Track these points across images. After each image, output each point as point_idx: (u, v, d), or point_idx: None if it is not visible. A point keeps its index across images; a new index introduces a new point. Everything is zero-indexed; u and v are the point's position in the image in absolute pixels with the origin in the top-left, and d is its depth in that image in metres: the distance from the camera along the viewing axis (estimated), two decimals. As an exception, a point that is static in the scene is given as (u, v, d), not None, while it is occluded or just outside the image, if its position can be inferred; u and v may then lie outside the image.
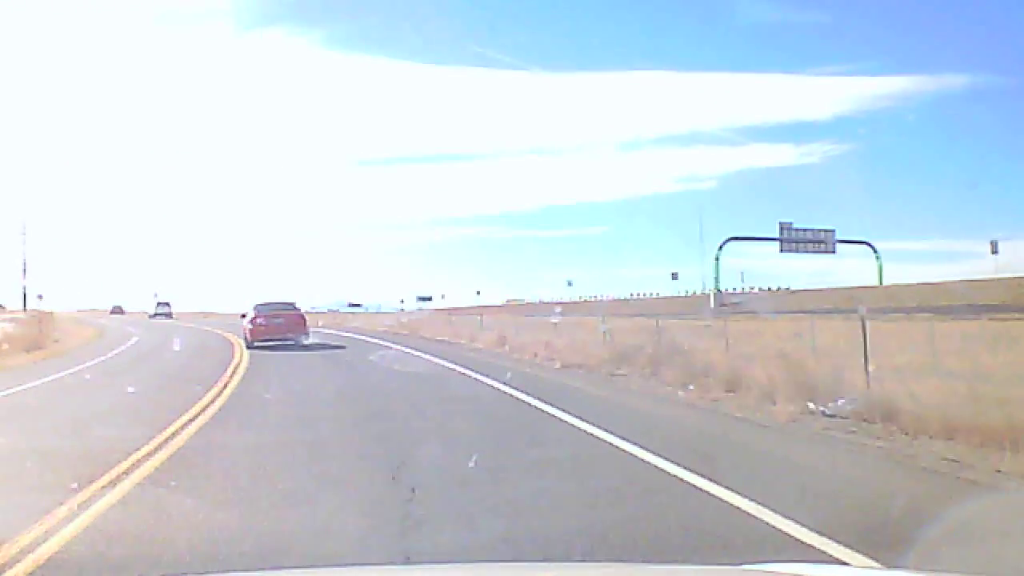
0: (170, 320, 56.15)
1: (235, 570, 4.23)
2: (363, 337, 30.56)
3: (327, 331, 35.28)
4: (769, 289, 72.99)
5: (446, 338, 28.48)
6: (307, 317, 26.66)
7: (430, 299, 78.52)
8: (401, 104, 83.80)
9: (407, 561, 4.41)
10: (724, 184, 78.33)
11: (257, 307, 25.19)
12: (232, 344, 25.05)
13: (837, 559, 4.29)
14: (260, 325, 24.28)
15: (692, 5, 64.89)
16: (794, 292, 70.12)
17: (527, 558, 4.38)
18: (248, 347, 23.32)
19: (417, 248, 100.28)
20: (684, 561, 4.27)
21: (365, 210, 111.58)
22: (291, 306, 25.90)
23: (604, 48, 71.83)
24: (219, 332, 32.93)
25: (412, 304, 77.81)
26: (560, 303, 69.07)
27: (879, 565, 4.18)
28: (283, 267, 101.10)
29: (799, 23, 65.13)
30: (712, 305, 67.59)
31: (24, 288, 56.50)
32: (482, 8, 67.68)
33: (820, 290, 68.39)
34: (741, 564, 2.97)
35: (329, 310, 72.58)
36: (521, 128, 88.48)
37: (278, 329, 24.29)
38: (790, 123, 77.33)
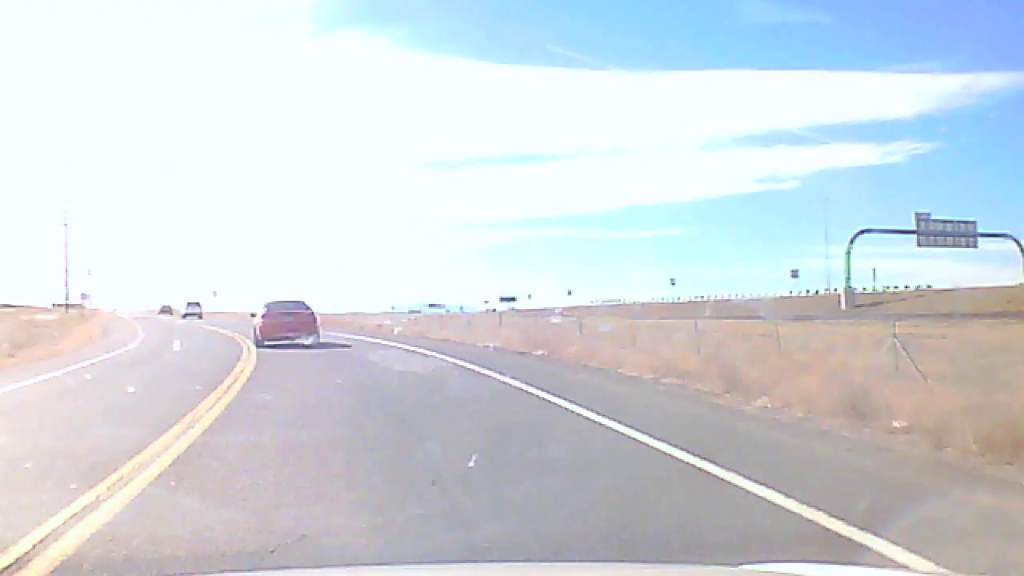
0: (199, 320, 55.77)
1: (235, 570, 4.19)
2: (483, 370, 16.17)
3: (403, 346, 24.25)
4: (906, 288, 64.50)
5: (632, 371, 14.53)
6: (318, 317, 25.75)
7: (514, 299, 74.59)
8: (482, 105, 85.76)
9: None
10: (806, 184, 77.46)
11: (268, 305, 25.05)
12: (237, 359, 18.91)
13: None
14: (270, 323, 23.97)
15: (771, 3, 61.51)
16: (939, 292, 61.28)
17: None
18: (258, 346, 22.91)
19: (496, 249, 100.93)
20: None
21: (444, 211, 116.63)
22: (302, 304, 25.62)
23: (685, 47, 69.87)
24: (236, 337, 28.25)
25: (495, 305, 74.12)
26: (667, 303, 67.85)
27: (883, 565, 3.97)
28: (360, 268, 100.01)
29: (879, 21, 65.81)
30: (843, 305, 59.65)
31: (67, 287, 58.38)
32: (562, 8, 67.90)
33: (969, 289, 59.70)
34: (740, 564, 2.88)
35: (410, 311, 68.30)
36: (602, 128, 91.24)
37: (288, 327, 23.87)
38: (872, 122, 78.51)
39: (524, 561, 4.22)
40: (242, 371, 15.29)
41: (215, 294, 67.54)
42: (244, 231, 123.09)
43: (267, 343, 22.99)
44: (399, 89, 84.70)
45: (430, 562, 4.29)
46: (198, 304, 63.75)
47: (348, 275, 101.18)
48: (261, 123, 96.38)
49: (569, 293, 70.62)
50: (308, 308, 25.43)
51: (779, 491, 5.53)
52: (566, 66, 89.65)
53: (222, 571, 4.21)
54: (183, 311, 63.44)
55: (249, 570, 4.18)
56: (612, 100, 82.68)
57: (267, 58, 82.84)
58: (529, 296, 72.91)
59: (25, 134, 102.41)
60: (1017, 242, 59.94)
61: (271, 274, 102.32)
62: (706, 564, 4.00)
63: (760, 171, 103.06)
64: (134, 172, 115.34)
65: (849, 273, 59.92)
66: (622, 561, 4.16)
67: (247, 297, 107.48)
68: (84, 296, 62.35)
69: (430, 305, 73.61)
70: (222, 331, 33.73)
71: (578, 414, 9.72)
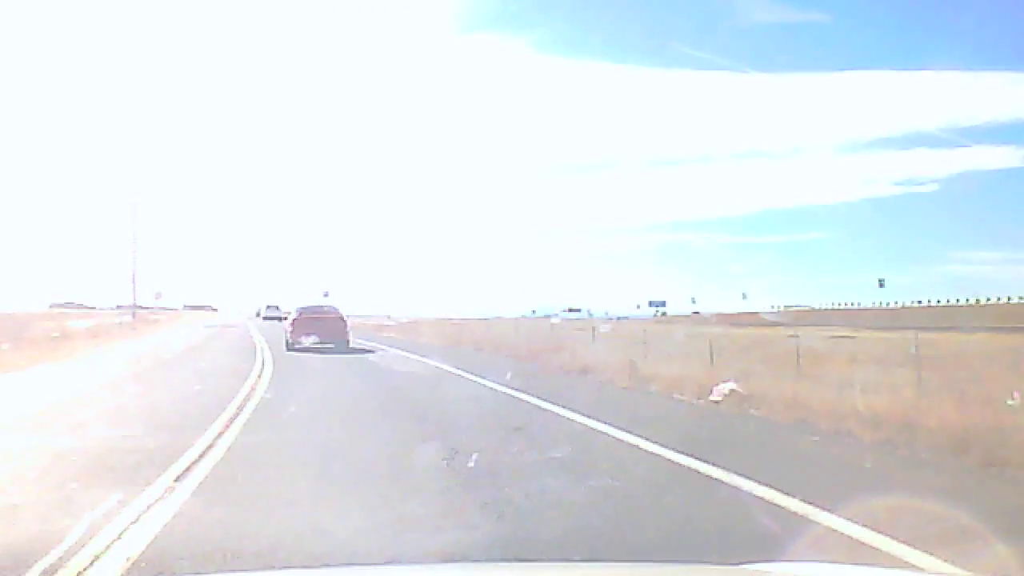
0: (279, 323, 56.95)
1: (236, 570, 4.22)
2: None
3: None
4: None
5: None
6: (348, 322, 25.49)
7: (663, 304, 65.56)
8: (618, 108, 76.88)
9: None
10: (946, 188, 72.32)
11: (299, 309, 25.49)
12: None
13: None
14: (299, 327, 23.98)
15: (907, 2, 57.81)
16: None
17: None
18: (288, 348, 23.15)
19: (631, 253, 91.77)
20: None
21: (576, 216, 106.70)
22: (333, 309, 26.10)
23: (820, 48, 64.54)
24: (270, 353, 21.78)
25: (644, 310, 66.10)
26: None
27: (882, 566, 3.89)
28: (492, 272, 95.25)
29: (1018, 19, 56.37)
30: None
31: (133, 285, 57.51)
32: (696, 10, 61.82)
33: None
34: (741, 564, 2.95)
35: (546, 316, 58.08)
36: (735, 131, 79.67)
37: (317, 331, 23.79)
38: (1014, 123, 68.33)
39: (524, 561, 4.23)
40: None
41: (326, 295, 61.43)
42: (373, 233, 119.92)
43: (296, 347, 23.23)
44: (536, 92, 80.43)
45: (430, 562, 4.28)
46: (277, 307, 65.52)
47: (480, 280, 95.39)
48: (396, 123, 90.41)
49: (744, 297, 60.21)
50: (338, 312, 25.70)
51: None
52: (697, 68, 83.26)
53: (222, 571, 4.19)
54: (264, 314, 65.71)
55: (249, 570, 4.18)
56: (745, 103, 75.10)
57: (403, 60, 77.52)
58: (693, 300, 61.85)
59: (165, 129, 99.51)
60: None
61: (403, 277, 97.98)
62: (706, 564, 3.97)
63: (898, 174, 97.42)
64: (259, 169, 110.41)
65: None
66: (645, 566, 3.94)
67: (368, 300, 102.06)
68: (158, 296, 63.19)
69: (568, 310, 64.50)
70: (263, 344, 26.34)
71: None
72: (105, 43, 76.16)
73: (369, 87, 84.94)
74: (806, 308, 59.19)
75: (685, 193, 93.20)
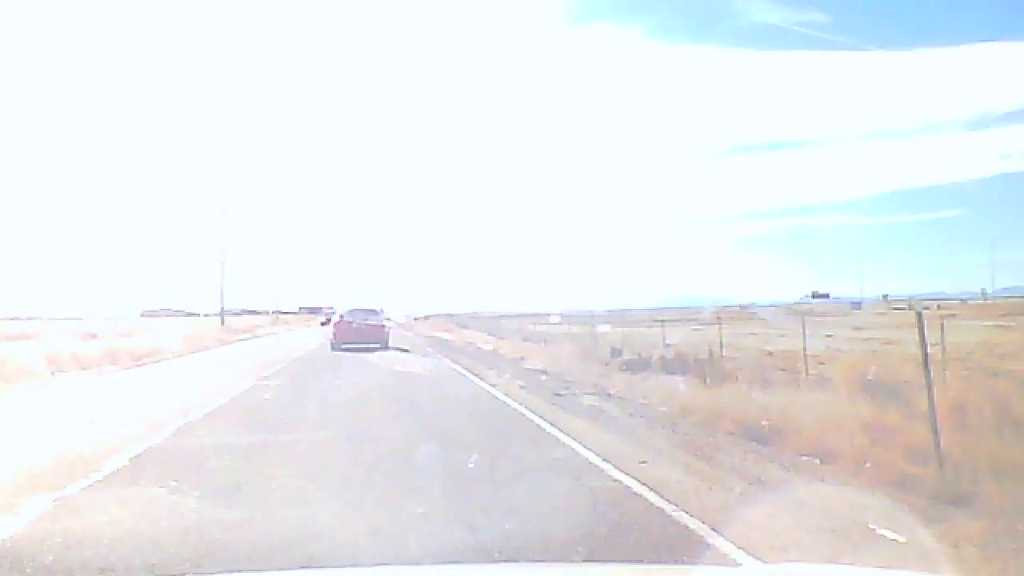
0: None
1: (235, 570, 4.26)
2: None
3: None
4: None
5: None
6: (387, 325, 29.86)
7: None
8: (732, 92, 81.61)
9: None
10: None
11: (343, 313, 28.57)
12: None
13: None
14: (343, 329, 27.41)
15: None
16: None
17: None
18: (332, 348, 26.35)
19: (757, 240, 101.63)
20: None
21: (698, 203, 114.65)
22: (375, 313, 28.70)
23: (945, 22, 65.59)
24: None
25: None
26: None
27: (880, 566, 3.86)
28: (615, 264, 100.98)
29: None
30: None
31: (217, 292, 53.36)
32: None
33: None
34: (741, 564, 3.35)
35: (746, 305, 50.85)
36: (860, 111, 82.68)
37: (359, 333, 26.94)
38: None
39: (524, 561, 4.26)
40: None
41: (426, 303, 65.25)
42: (491, 233, 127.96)
43: (344, 345, 26.35)
44: (644, 81, 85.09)
45: (430, 562, 4.30)
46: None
47: (604, 271, 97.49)
48: (511, 119, 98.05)
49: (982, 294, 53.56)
50: (378, 316, 28.57)
51: None
52: (816, 48, 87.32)
53: (222, 571, 4.20)
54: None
55: (249, 570, 4.23)
56: (868, 82, 76.97)
57: (516, 52, 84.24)
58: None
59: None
60: None
61: (530, 274, 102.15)
62: (707, 565, 4.05)
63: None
64: (407, 174, 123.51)
65: None
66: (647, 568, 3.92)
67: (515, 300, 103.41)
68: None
69: (813, 295, 59.98)
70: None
71: None
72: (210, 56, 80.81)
73: (493, 81, 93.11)
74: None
75: (807, 177, 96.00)
